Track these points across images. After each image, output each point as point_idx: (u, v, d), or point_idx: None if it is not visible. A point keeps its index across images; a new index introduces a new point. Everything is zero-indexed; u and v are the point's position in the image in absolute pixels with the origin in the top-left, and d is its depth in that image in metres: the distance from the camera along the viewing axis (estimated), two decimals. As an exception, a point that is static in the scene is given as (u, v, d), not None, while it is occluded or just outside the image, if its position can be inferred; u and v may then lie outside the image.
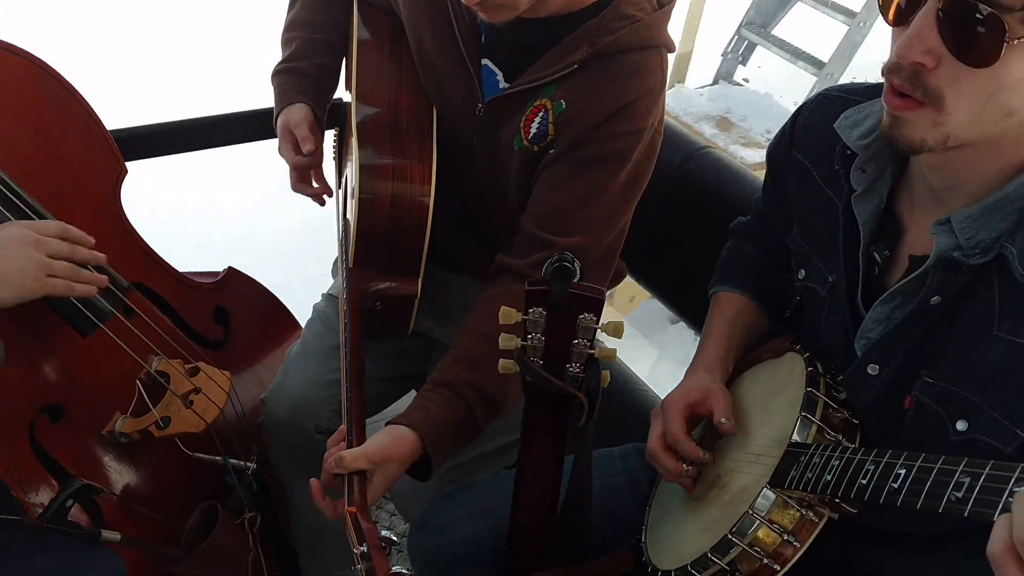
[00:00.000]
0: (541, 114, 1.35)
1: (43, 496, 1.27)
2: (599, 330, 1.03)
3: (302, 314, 1.83)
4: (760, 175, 1.37)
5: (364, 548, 1.02)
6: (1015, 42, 0.80)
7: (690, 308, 1.71)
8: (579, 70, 1.32)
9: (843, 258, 1.07)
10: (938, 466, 0.80)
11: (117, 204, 1.44)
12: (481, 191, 1.51)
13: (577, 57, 1.31)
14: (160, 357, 1.44)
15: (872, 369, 1.02)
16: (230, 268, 1.70)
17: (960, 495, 0.76)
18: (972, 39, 0.81)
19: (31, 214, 1.21)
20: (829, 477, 0.93)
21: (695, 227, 1.65)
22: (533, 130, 1.36)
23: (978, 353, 0.92)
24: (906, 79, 0.86)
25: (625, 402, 1.69)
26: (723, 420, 1.15)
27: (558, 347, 1.05)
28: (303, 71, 1.64)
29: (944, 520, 0.96)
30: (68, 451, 1.33)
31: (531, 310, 1.03)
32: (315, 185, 1.63)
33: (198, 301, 1.60)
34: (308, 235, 2.70)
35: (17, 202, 1.20)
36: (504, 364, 1.09)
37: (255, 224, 2.84)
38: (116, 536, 1.31)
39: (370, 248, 1.43)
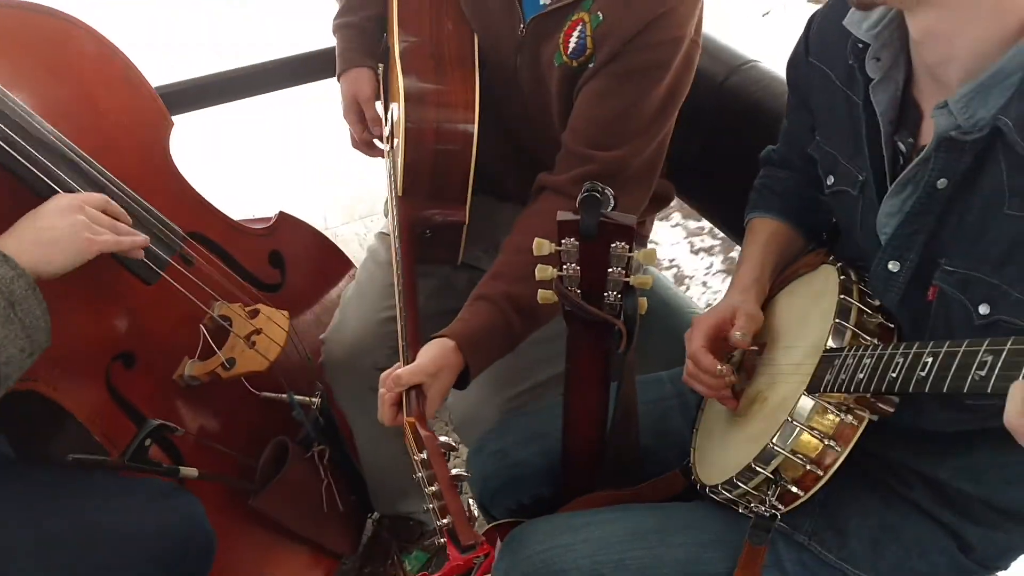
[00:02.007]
0: (579, 28, 1.35)
1: (123, 438, 1.35)
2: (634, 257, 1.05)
3: (355, 254, 1.89)
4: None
5: (424, 455, 1.08)
6: None
7: (741, 227, 1.70)
8: None
9: (868, 152, 1.06)
10: (963, 349, 0.81)
11: (167, 156, 1.48)
12: (525, 115, 1.52)
13: None
14: (221, 302, 1.50)
15: (893, 266, 1.02)
16: (281, 212, 1.75)
17: (983, 373, 0.77)
18: None
19: (88, 173, 1.26)
20: (861, 375, 0.95)
21: (742, 144, 1.61)
22: (572, 45, 1.36)
23: (991, 234, 0.92)
24: None
25: (674, 324, 1.70)
26: (737, 333, 1.17)
27: (594, 275, 1.07)
28: (360, 26, 1.69)
29: (979, 413, 1.00)
30: (143, 395, 1.41)
31: (564, 240, 1.05)
32: (379, 145, 1.70)
33: (253, 246, 1.66)
34: (357, 176, 2.75)
35: (78, 160, 1.25)
36: (543, 294, 1.11)
37: (304, 167, 2.91)
38: (194, 472, 1.39)
39: (417, 176, 1.46)
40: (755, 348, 1.22)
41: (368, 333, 1.64)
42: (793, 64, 1.23)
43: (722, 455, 1.19)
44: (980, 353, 0.79)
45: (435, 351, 1.25)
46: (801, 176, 1.30)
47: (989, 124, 0.88)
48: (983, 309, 0.92)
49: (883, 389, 0.91)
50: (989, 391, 0.76)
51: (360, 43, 1.69)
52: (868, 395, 0.97)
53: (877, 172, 1.05)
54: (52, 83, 1.31)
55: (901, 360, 0.89)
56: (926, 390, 0.84)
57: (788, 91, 1.27)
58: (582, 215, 1.02)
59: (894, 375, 0.89)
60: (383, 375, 1.27)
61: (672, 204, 1.77)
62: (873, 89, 1.03)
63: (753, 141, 1.54)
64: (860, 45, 1.04)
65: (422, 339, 1.31)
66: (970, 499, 1.08)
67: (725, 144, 1.66)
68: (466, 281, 1.70)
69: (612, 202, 1.04)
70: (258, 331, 1.49)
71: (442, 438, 1.12)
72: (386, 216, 1.88)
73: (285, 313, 1.54)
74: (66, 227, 1.15)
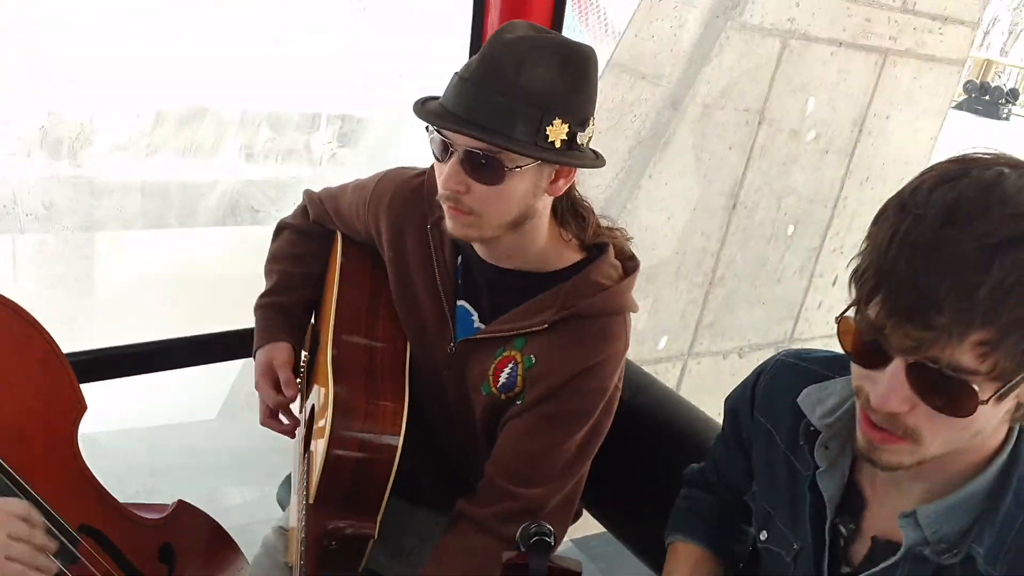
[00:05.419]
0: (511, 365, 1.41)
1: None
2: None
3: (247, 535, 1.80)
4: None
5: None
6: (987, 399, 0.83)
7: (645, 545, 1.71)
8: (549, 329, 1.39)
9: (810, 530, 1.09)
10: None
11: (73, 442, 1.40)
12: (448, 427, 1.54)
13: (548, 317, 1.38)
14: (98, 608, 1.36)
15: None
16: (180, 502, 1.65)
17: None
18: (947, 396, 0.84)
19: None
20: None
21: (648, 463, 1.67)
22: (502, 380, 1.42)
23: None
24: (883, 420, 0.89)
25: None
26: None
27: (536, 617, 1.05)
28: (285, 307, 1.69)
29: None
30: None
31: (509, 582, 1.03)
32: (285, 421, 1.65)
33: (145, 539, 1.53)
34: (255, 454, 2.68)
35: None
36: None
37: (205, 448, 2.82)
38: None
39: (333, 485, 1.42)
40: None
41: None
42: (736, 409, 1.26)
43: None
44: None
45: None
46: (725, 503, 1.33)
47: (963, 551, 0.93)
48: None
49: None
50: None
51: (283, 322, 1.68)
52: None
53: (816, 549, 1.08)
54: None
55: None
56: None
57: (725, 425, 1.30)
58: (532, 559, 1.01)
59: None
60: None
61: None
62: (820, 476, 1.07)
63: (659, 460, 1.59)
64: (812, 428, 1.08)
65: None
66: None
67: (632, 463, 1.69)
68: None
69: (555, 541, 1.04)
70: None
71: None
72: (283, 509, 1.82)
73: None
74: None
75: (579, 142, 1.31)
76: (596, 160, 1.37)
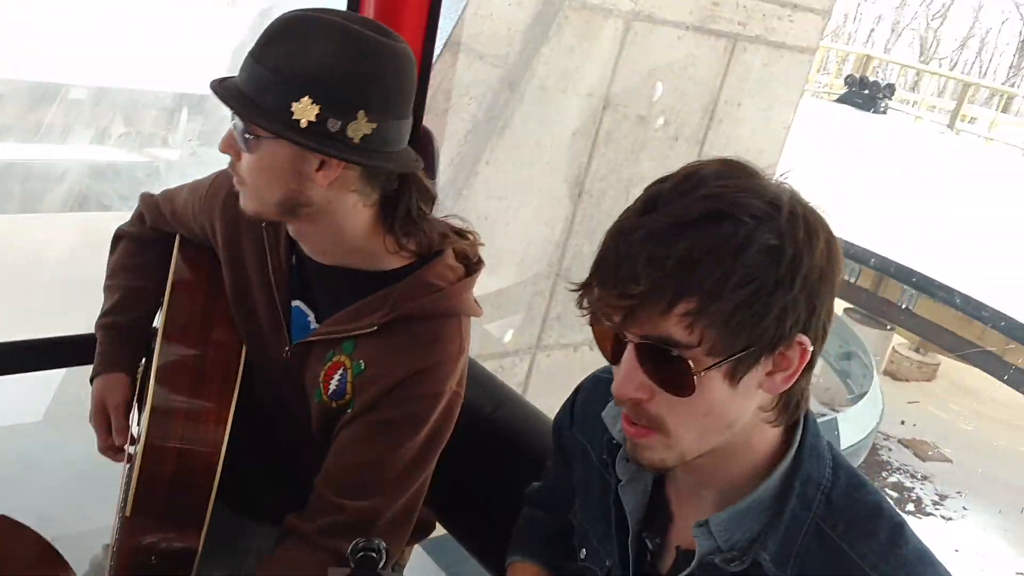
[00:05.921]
0: (340, 372, 1.37)
1: None
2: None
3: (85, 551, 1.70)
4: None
5: None
6: (703, 372, 0.87)
7: (500, 561, 1.70)
8: (379, 331, 1.33)
9: (616, 545, 1.10)
10: None
11: None
12: (289, 437, 1.49)
13: (377, 319, 1.33)
14: None
15: None
16: (1, 516, 1.55)
17: None
18: (669, 374, 0.88)
19: None
20: None
21: (504, 476, 1.63)
22: (332, 387, 1.37)
23: None
24: (630, 410, 0.92)
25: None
26: None
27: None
28: (125, 329, 1.60)
29: None
30: None
31: (334, 594, 1.01)
32: (130, 451, 1.56)
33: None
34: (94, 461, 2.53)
35: None
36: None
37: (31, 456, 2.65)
38: None
39: (151, 495, 1.36)
40: None
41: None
42: (558, 427, 1.26)
43: None
44: None
45: None
46: (561, 522, 1.31)
47: (750, 557, 0.94)
48: None
49: None
50: None
51: (121, 346, 1.60)
52: None
53: (623, 564, 1.09)
54: None
55: None
56: None
57: (553, 441, 1.29)
58: (356, 572, 0.99)
59: None
60: None
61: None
62: (622, 489, 1.07)
63: (517, 475, 1.55)
64: (614, 442, 1.08)
65: None
66: None
67: (490, 476, 1.67)
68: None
69: (384, 556, 1.02)
70: None
71: None
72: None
73: None
74: None
75: (332, 129, 1.23)
76: (361, 156, 1.27)
